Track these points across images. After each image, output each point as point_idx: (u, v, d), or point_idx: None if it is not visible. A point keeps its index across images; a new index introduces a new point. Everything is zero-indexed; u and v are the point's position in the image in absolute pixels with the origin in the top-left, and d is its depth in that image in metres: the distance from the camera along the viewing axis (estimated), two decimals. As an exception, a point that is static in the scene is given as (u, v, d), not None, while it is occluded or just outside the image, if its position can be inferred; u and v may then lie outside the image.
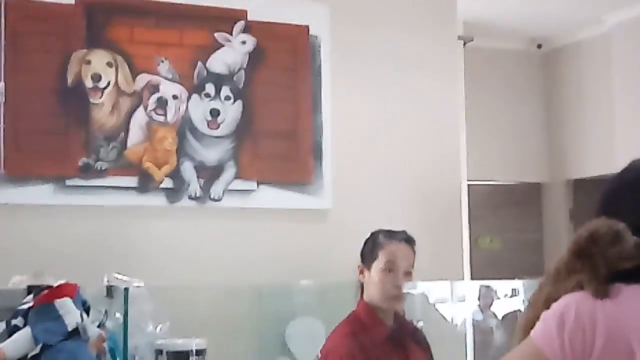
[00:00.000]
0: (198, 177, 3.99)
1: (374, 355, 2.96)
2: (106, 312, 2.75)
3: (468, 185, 5.71)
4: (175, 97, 3.99)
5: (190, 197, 3.98)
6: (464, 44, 5.92)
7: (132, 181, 3.88)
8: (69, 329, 2.43)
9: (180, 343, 2.92)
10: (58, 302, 2.44)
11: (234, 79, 4.11)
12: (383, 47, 4.45)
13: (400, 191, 4.40)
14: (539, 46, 7.35)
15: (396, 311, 3.14)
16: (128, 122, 3.90)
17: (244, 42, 4.14)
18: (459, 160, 4.80)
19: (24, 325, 2.44)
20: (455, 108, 4.74)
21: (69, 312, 2.43)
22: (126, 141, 3.89)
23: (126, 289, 2.81)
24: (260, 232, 4.09)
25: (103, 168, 3.83)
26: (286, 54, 4.24)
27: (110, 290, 2.84)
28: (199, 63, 4.04)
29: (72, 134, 3.80)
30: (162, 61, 3.98)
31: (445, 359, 3.47)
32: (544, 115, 7.32)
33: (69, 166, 3.78)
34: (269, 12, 4.20)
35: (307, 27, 4.27)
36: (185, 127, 4.00)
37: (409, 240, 3.21)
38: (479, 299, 4.56)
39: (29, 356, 2.40)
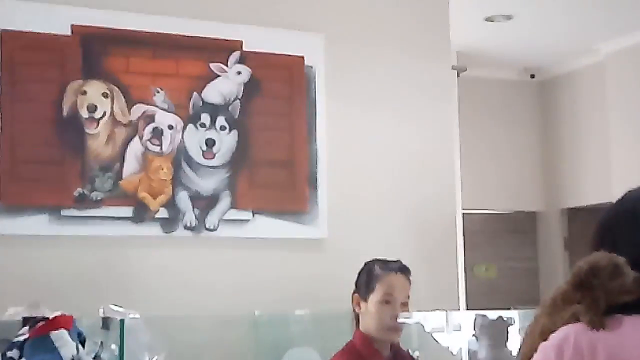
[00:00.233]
0: (193, 207, 3.99)
1: (370, 386, 2.96)
2: (102, 343, 2.73)
3: (463, 213, 5.73)
4: (170, 127, 4.00)
5: (185, 227, 3.97)
6: (458, 74, 5.96)
7: (127, 211, 3.88)
8: (65, 361, 2.42)
9: (176, 374, 2.91)
10: (54, 334, 2.43)
11: (230, 109, 4.12)
12: (377, 78, 4.48)
13: (395, 220, 4.41)
14: (532, 76, 7.40)
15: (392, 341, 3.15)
16: (124, 152, 3.91)
17: (239, 73, 4.16)
18: (454, 188, 4.82)
19: (20, 358, 2.43)
20: (450, 137, 4.76)
21: (65, 344, 2.42)
22: (122, 171, 3.89)
23: (122, 321, 2.80)
24: (256, 261, 4.08)
25: (98, 198, 3.83)
26: (281, 84, 4.26)
27: (106, 322, 2.83)
28: (195, 93, 4.06)
29: (67, 164, 3.81)
30: (158, 91, 3.99)
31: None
32: (539, 144, 7.36)
33: (65, 196, 3.78)
34: (264, 43, 4.22)
35: (302, 57, 4.29)
36: (180, 157, 4.01)
37: (405, 271, 3.22)
38: (474, 328, 4.54)
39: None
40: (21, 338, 2.46)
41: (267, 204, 4.12)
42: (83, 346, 2.52)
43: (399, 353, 3.20)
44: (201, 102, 4.07)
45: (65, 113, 3.83)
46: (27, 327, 2.50)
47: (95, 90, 3.88)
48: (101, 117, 3.88)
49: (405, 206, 4.44)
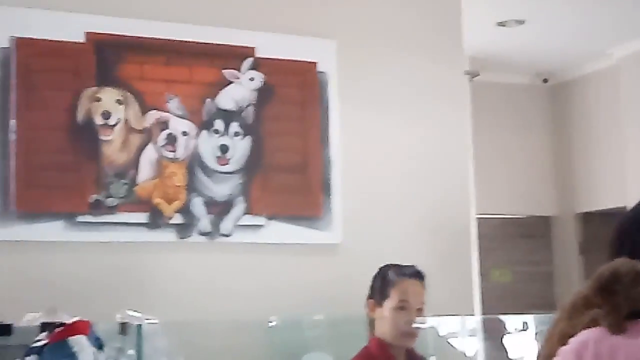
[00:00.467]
0: (208, 212, 4.00)
1: (386, 391, 2.96)
2: (120, 349, 2.74)
3: (477, 218, 5.72)
4: (184, 133, 4.01)
5: (200, 233, 3.98)
6: (471, 78, 5.96)
7: (142, 217, 3.89)
8: (83, 367, 2.44)
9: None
10: (72, 340, 2.44)
11: (243, 115, 4.13)
12: (390, 82, 4.48)
13: (409, 225, 4.40)
14: (545, 80, 7.39)
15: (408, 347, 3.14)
16: (138, 159, 3.92)
17: (252, 79, 4.17)
18: (468, 193, 4.81)
19: (38, 363, 2.44)
20: (464, 142, 4.75)
21: (83, 350, 2.43)
22: (136, 177, 3.91)
23: (139, 326, 2.81)
24: (271, 266, 4.09)
25: (114, 204, 3.84)
26: (294, 90, 4.27)
27: (123, 327, 2.84)
28: (208, 100, 4.07)
29: (83, 170, 3.82)
30: (172, 98, 4.01)
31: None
32: (552, 149, 7.35)
33: (80, 202, 3.79)
34: (277, 49, 4.23)
35: (315, 63, 4.30)
36: (194, 163, 4.02)
37: (420, 276, 3.21)
38: (489, 333, 4.54)
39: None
40: (39, 343, 2.47)
41: (281, 210, 4.13)
42: (101, 351, 2.53)
43: (415, 358, 3.20)
44: (215, 109, 4.08)
45: (79, 120, 3.84)
46: (45, 333, 2.51)
47: (109, 97, 3.90)
48: (115, 124, 3.89)
49: (420, 210, 4.43)
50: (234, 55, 4.14)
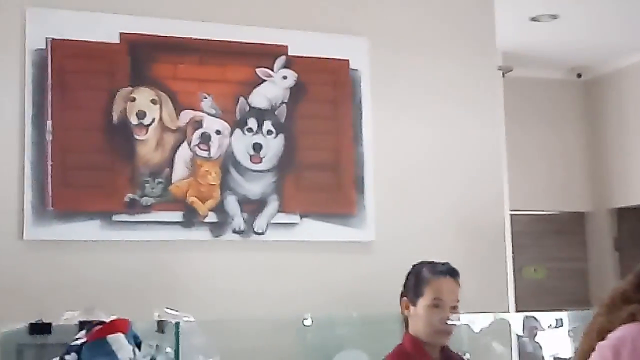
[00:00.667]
0: (242, 211, 4.03)
1: (422, 388, 2.96)
2: (157, 346, 2.77)
3: (511, 214, 5.69)
4: (218, 132, 4.03)
5: (234, 231, 4.01)
6: (504, 74, 5.93)
7: (177, 216, 3.92)
8: (122, 365, 2.46)
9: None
10: (111, 338, 2.47)
11: (276, 113, 4.15)
12: (423, 79, 4.47)
13: (443, 222, 4.39)
14: (579, 75, 7.34)
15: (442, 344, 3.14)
16: (172, 158, 3.95)
17: (285, 77, 4.18)
18: (502, 189, 4.79)
19: (77, 361, 2.47)
20: (497, 138, 4.73)
21: (122, 348, 2.46)
22: (171, 176, 3.94)
23: (177, 324, 2.83)
24: (304, 264, 4.10)
25: (149, 203, 3.87)
26: (327, 88, 4.28)
27: (161, 325, 2.86)
28: (241, 98, 4.09)
29: (118, 170, 3.86)
30: (205, 97, 4.03)
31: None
32: (586, 144, 7.29)
33: (116, 202, 3.83)
34: (310, 47, 4.24)
35: (347, 60, 4.30)
36: (228, 162, 4.04)
37: (454, 274, 3.21)
38: (524, 330, 4.52)
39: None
40: (78, 342, 2.50)
41: (314, 207, 4.14)
42: (139, 349, 2.55)
43: (449, 355, 3.20)
44: (248, 107, 4.10)
45: (114, 120, 3.88)
46: (83, 331, 2.54)
47: (144, 97, 3.93)
48: (150, 124, 3.93)
49: (453, 208, 4.42)
50: (267, 54, 4.16)
